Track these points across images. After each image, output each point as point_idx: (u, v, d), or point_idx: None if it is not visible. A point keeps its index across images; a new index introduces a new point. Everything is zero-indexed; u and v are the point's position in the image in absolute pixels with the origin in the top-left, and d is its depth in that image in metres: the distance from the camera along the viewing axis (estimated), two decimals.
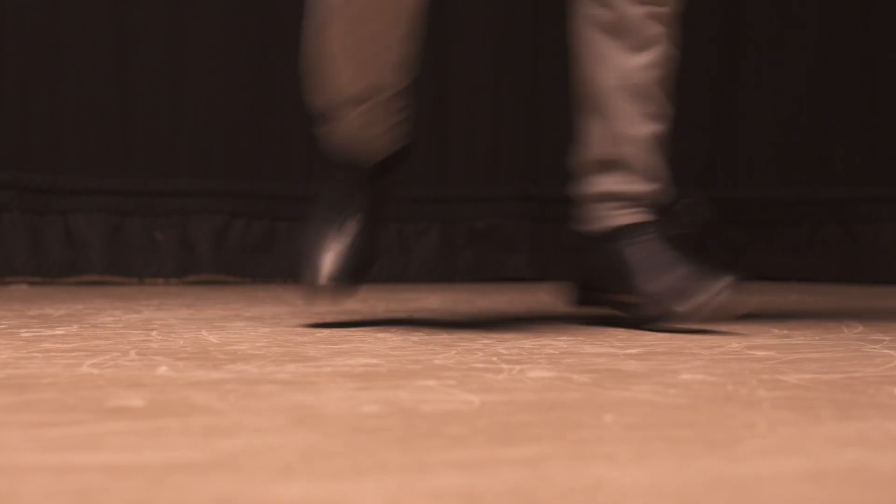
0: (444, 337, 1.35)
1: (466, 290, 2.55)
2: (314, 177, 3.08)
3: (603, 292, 1.57)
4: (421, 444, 0.68)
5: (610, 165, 1.54)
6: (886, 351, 1.21)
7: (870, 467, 0.62)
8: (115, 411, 0.79)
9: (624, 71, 1.52)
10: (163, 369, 1.01)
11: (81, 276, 2.76)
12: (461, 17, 3.11)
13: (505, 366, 1.06)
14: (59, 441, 0.68)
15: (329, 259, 1.54)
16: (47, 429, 0.72)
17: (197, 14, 2.89)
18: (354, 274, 1.56)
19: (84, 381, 0.93)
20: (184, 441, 0.68)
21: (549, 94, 3.15)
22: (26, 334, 1.34)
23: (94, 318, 1.62)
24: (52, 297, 2.14)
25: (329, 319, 1.61)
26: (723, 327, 1.43)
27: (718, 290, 1.41)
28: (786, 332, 1.45)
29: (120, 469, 0.60)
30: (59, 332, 1.38)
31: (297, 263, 1.62)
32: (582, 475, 0.60)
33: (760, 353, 1.19)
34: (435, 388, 0.91)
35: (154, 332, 1.38)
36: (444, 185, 3.10)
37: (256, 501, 0.54)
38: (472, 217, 3.11)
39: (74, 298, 2.12)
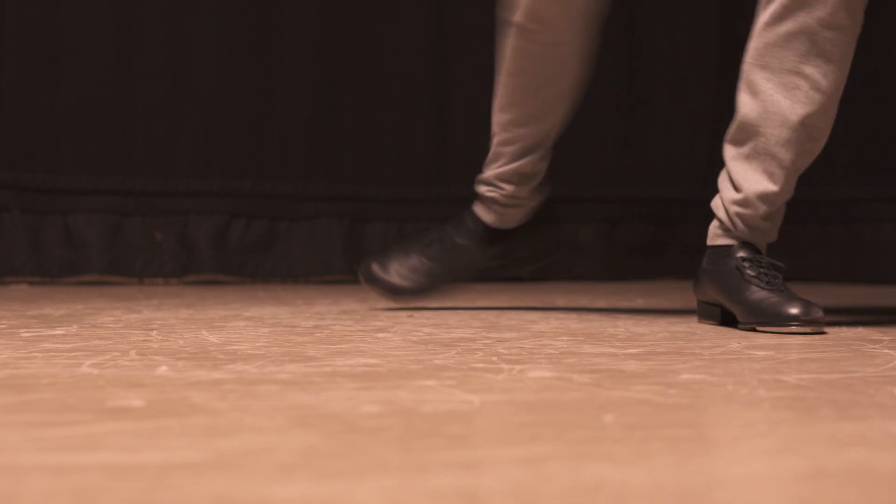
0: (444, 337, 1.35)
1: (466, 290, 2.55)
2: (314, 177, 3.08)
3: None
4: (421, 444, 0.68)
5: None
6: (886, 351, 1.21)
7: (870, 467, 0.62)
8: (115, 411, 0.79)
9: None
10: (163, 369, 1.01)
11: (81, 276, 2.76)
12: (461, 17, 3.11)
13: (505, 366, 1.06)
14: (59, 441, 0.68)
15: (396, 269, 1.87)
16: (47, 429, 0.72)
17: (197, 14, 2.89)
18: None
19: (84, 381, 0.93)
20: (184, 441, 0.68)
21: None
22: (26, 334, 1.34)
23: (94, 318, 1.62)
24: (52, 297, 2.14)
25: (329, 319, 1.61)
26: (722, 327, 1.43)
27: None
28: None
29: (120, 469, 0.60)
30: (59, 332, 1.38)
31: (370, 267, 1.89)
32: (582, 475, 0.60)
33: (760, 353, 1.19)
34: (435, 388, 0.91)
35: (154, 332, 1.38)
36: (444, 185, 3.10)
37: (256, 501, 0.54)
38: None
39: (74, 298, 2.12)
